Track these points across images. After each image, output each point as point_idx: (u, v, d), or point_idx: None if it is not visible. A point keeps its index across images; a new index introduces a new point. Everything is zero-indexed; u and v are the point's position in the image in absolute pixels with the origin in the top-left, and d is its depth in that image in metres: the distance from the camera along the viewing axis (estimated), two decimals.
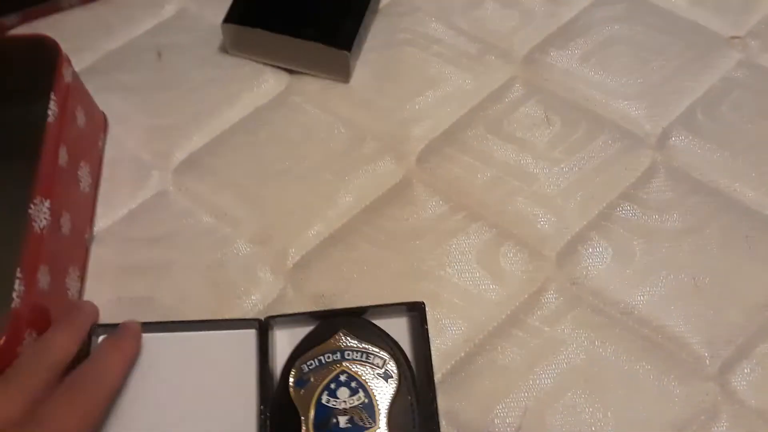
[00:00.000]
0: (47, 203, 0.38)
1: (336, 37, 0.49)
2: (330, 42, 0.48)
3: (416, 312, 0.40)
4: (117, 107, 0.50)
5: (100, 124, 0.48)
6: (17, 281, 0.35)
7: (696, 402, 0.40)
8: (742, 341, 0.41)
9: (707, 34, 0.54)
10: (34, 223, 0.37)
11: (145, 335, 0.39)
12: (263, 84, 0.51)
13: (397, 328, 0.40)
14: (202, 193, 0.46)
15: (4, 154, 0.41)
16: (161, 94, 0.51)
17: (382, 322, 0.39)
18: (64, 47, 0.43)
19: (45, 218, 0.38)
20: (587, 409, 0.39)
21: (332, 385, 0.37)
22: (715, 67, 0.52)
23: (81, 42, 0.53)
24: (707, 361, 0.41)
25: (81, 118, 0.44)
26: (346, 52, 0.48)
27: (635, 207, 0.46)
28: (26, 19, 0.54)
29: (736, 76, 0.52)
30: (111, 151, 0.48)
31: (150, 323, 0.39)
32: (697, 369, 0.41)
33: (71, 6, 0.55)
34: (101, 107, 0.49)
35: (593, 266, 0.44)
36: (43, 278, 0.37)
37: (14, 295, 0.34)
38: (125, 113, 0.50)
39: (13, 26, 0.54)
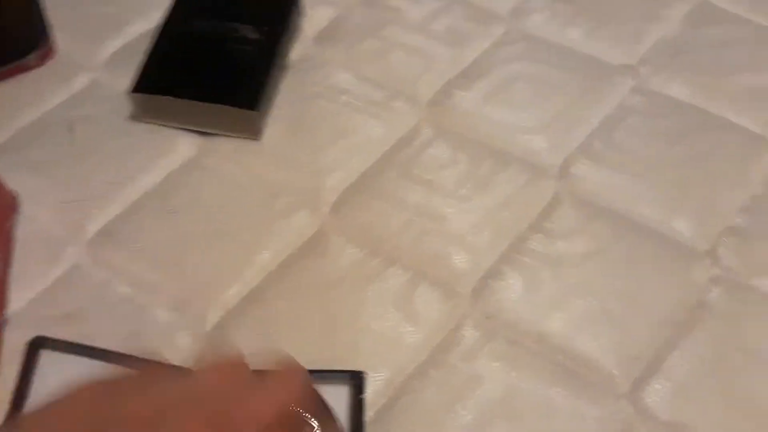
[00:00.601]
0: None
1: (243, 98, 0.50)
2: (237, 103, 0.50)
3: (356, 380, 0.41)
4: (28, 185, 0.50)
5: (10, 204, 0.48)
6: None
7: (610, 422, 0.41)
8: (650, 358, 0.43)
9: (602, 65, 0.57)
10: None
11: None
12: (176, 149, 0.52)
13: (333, 396, 0.39)
14: (118, 263, 0.47)
15: None
16: (73, 167, 0.51)
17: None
18: None
19: None
20: None
21: None
22: (610, 96, 0.55)
23: None
24: (618, 381, 0.42)
25: None
26: (254, 111, 0.50)
27: (543, 237, 0.48)
28: None
29: (630, 103, 0.55)
30: (23, 230, 0.48)
31: None
32: (610, 389, 0.42)
33: None
34: (13, 186, 0.49)
35: (506, 299, 0.45)
36: None
37: None
38: (37, 190, 0.50)
39: None
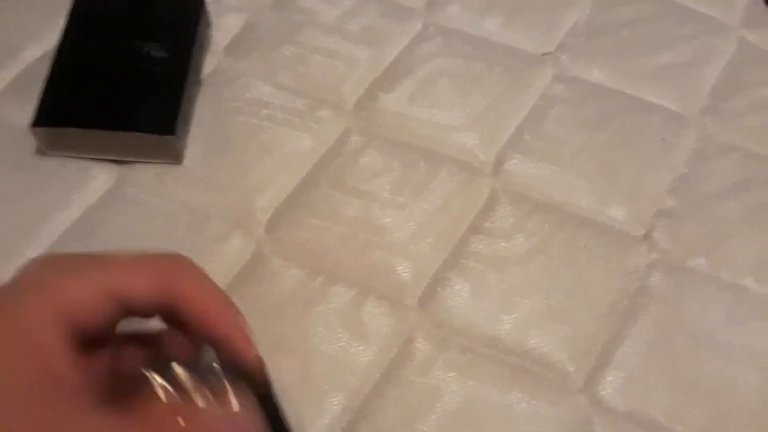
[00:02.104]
0: None
1: (158, 123, 0.47)
2: (153, 129, 0.47)
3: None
4: None
5: None
6: None
7: (569, 419, 0.41)
8: (600, 351, 0.44)
9: (521, 54, 0.57)
10: None
11: None
12: (91, 181, 0.49)
13: None
14: None
15: None
16: None
17: None
18: None
19: None
20: None
21: None
22: (534, 86, 0.55)
23: None
24: (573, 377, 0.43)
25: None
26: (171, 136, 0.47)
27: (484, 238, 0.48)
28: None
29: (554, 92, 0.55)
30: None
31: None
32: (565, 386, 0.43)
33: None
34: None
35: (454, 306, 0.45)
36: None
37: None
38: None
39: None
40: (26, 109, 0.49)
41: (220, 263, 0.46)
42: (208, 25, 0.56)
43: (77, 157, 0.49)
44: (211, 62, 0.55)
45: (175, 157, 0.49)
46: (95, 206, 0.48)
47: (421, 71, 0.55)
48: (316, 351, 0.43)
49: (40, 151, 0.49)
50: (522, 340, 0.44)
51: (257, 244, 0.47)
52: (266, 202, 0.49)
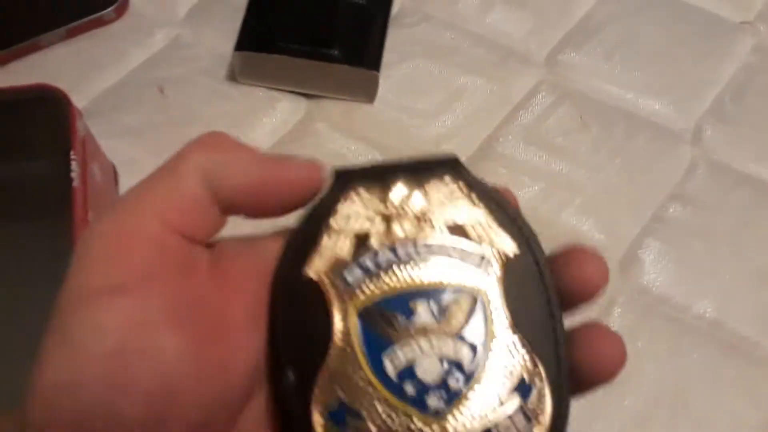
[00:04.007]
0: None
1: (362, 57, 0.46)
2: (357, 62, 0.45)
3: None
4: (124, 153, 0.45)
5: (111, 175, 0.44)
6: None
7: None
8: None
9: (719, 21, 0.54)
10: None
11: None
12: (279, 113, 0.48)
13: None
14: None
15: (26, 214, 0.38)
16: (171, 133, 0.46)
17: None
18: None
19: None
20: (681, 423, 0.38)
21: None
22: (733, 55, 0.52)
23: (68, 83, 0.47)
24: None
25: (98, 174, 0.40)
26: (375, 72, 0.45)
27: (685, 206, 0.45)
28: (1, 62, 0.48)
29: (753, 62, 0.52)
30: None
31: None
32: None
33: (51, 43, 0.49)
34: (107, 155, 0.44)
35: (656, 273, 0.43)
36: None
37: None
38: (134, 159, 0.45)
39: None
40: (210, 35, 0.48)
41: None
42: None
43: (267, 87, 0.48)
44: (396, 4, 0.53)
45: (370, 95, 0.47)
46: (286, 137, 0.47)
47: (614, 31, 0.53)
48: None
49: (233, 79, 0.48)
50: (728, 315, 0.42)
51: None
52: (455, 150, 0.47)
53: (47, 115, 0.38)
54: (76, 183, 0.36)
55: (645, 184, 0.46)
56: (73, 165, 0.36)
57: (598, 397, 0.38)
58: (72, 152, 0.36)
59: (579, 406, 0.38)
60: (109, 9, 0.50)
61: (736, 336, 0.41)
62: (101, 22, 0.50)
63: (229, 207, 0.22)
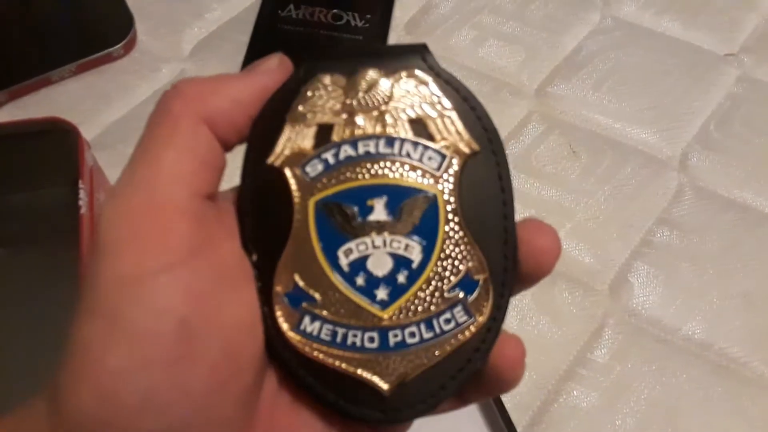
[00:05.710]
0: None
1: None
2: None
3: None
4: None
5: None
6: None
7: None
8: None
9: (704, 53, 0.56)
10: None
11: None
12: None
13: None
14: None
15: (35, 240, 0.39)
16: None
17: None
18: None
19: None
20: None
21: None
22: (718, 85, 0.54)
23: (78, 116, 0.50)
24: None
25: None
26: None
27: (672, 231, 0.47)
28: (14, 97, 0.51)
29: (737, 92, 0.54)
30: None
31: None
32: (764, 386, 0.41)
33: (61, 78, 0.52)
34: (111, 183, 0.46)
35: (645, 296, 0.44)
36: None
37: None
38: None
39: (0, 105, 0.50)
40: (214, 68, 0.50)
41: None
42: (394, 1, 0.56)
43: None
44: (392, 38, 0.56)
45: None
46: None
47: (603, 63, 0.55)
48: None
49: None
50: (717, 336, 0.43)
51: None
52: None
53: (57, 147, 0.40)
54: (83, 211, 0.37)
55: (633, 209, 0.48)
56: (81, 194, 0.38)
57: (590, 416, 0.39)
58: (80, 182, 0.38)
59: (570, 429, 0.39)
60: (118, 46, 0.52)
61: (725, 356, 0.42)
62: (109, 58, 0.52)
63: (232, 141, 0.22)
